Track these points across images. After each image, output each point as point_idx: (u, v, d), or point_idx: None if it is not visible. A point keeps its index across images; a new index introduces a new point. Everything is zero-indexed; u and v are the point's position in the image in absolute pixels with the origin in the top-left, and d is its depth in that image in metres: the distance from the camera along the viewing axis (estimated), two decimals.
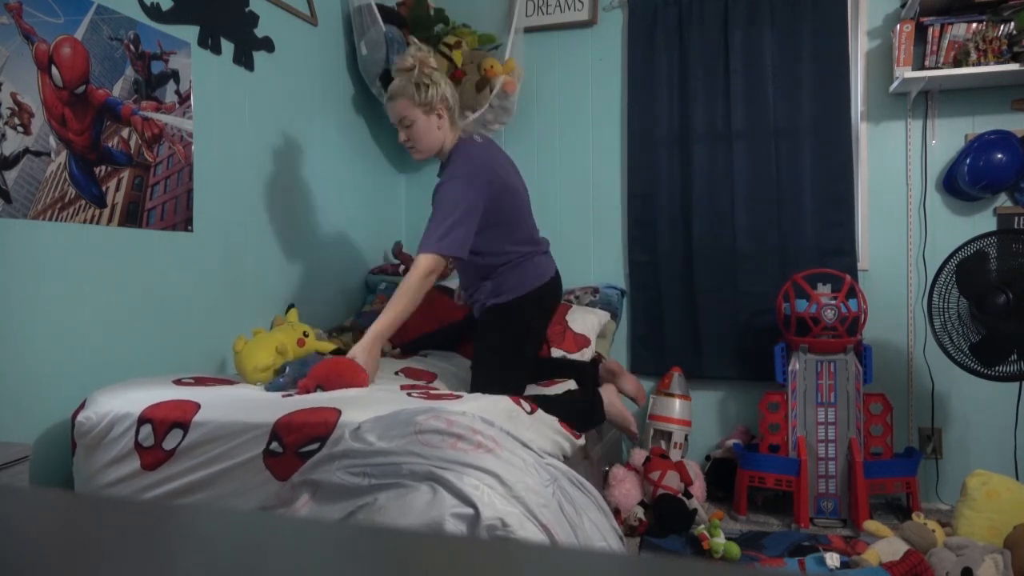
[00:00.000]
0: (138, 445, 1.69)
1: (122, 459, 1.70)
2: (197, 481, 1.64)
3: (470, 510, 1.30)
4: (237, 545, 0.35)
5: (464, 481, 1.34)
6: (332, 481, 1.43)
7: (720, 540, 2.41)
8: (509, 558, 0.33)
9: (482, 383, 2.21)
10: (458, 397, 1.84)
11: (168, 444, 1.68)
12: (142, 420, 1.70)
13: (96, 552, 0.32)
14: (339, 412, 1.61)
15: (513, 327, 2.28)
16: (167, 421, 1.69)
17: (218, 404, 1.73)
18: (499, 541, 0.33)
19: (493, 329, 2.28)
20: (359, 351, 2.00)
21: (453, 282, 3.14)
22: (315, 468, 1.49)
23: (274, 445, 1.59)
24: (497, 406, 1.79)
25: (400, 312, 2.05)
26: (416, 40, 2.55)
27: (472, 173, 2.13)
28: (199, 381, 1.97)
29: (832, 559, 2.06)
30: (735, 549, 2.40)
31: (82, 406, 1.75)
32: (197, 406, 1.71)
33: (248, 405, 1.73)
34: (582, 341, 2.94)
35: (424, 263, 2.05)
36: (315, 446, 1.56)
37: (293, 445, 1.58)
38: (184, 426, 1.67)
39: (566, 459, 1.93)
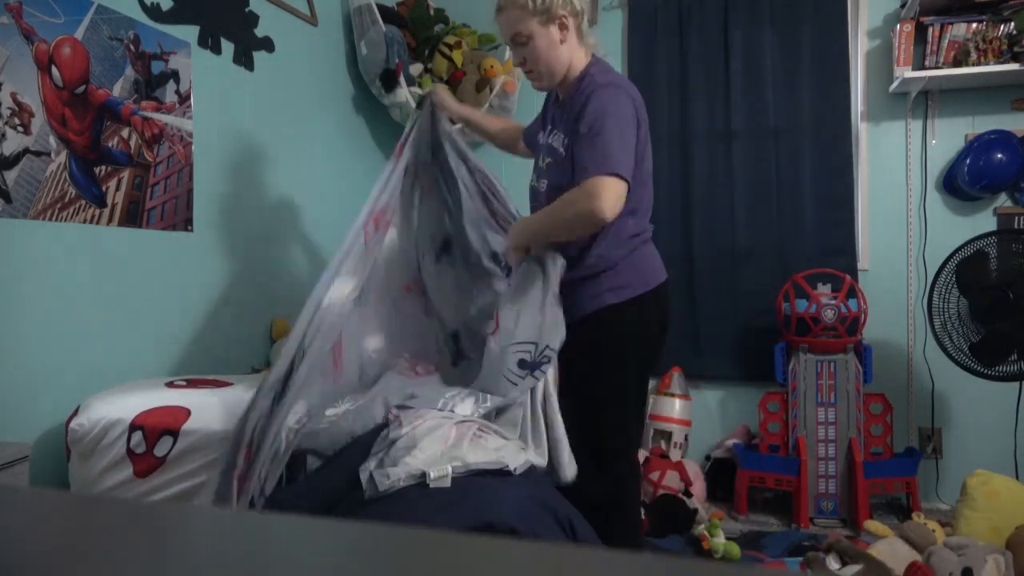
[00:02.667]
0: (130, 452, 1.69)
1: (115, 466, 1.70)
2: (190, 489, 1.64)
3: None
4: (237, 545, 0.35)
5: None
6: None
7: (720, 540, 2.41)
8: (509, 558, 0.33)
9: (610, 427, 1.69)
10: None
11: (159, 451, 1.68)
12: (133, 427, 1.70)
13: (96, 552, 0.32)
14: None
15: (642, 337, 1.71)
16: (157, 428, 1.69)
17: (208, 411, 1.73)
18: (501, 542, 0.33)
19: (613, 340, 1.67)
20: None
21: None
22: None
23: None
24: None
25: (546, 227, 1.61)
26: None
27: (619, 83, 1.63)
28: (192, 383, 1.97)
29: (833, 560, 2.06)
30: (735, 549, 2.40)
31: (76, 412, 1.75)
32: (187, 413, 1.71)
33: (238, 412, 1.72)
34: None
35: (597, 186, 1.49)
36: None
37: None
38: (174, 433, 1.67)
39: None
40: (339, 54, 3.17)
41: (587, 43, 1.73)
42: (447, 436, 1.50)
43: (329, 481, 1.48)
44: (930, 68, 2.84)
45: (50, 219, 1.84)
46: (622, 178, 1.51)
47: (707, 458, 3.09)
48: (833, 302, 2.73)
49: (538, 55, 1.64)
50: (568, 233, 1.60)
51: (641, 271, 1.69)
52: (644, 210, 1.71)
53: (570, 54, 1.68)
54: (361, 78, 3.20)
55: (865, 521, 2.38)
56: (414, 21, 3.26)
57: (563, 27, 1.65)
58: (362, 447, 1.52)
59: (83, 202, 1.93)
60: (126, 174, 2.07)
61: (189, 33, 2.30)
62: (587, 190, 1.50)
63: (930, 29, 2.84)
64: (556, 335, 1.64)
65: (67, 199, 1.89)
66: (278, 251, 2.72)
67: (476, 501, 1.31)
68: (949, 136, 3.01)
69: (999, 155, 2.83)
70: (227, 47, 2.46)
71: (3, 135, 1.73)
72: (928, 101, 3.03)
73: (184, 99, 2.27)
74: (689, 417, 3.08)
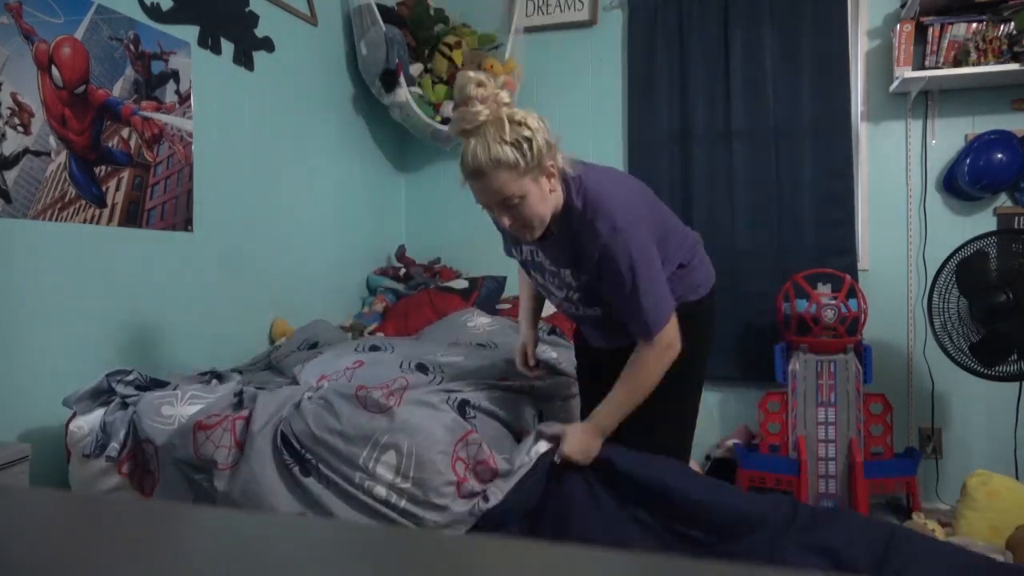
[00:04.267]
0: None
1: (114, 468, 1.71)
2: None
3: None
4: (237, 545, 0.35)
5: None
6: None
7: None
8: (509, 557, 0.33)
9: (669, 419, 1.72)
10: None
11: None
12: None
13: (96, 552, 0.32)
14: None
15: (703, 331, 1.75)
16: None
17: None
18: (501, 541, 0.33)
19: (694, 337, 1.66)
20: (576, 443, 1.57)
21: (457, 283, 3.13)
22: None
23: None
24: None
25: (630, 402, 1.59)
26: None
27: (621, 215, 1.53)
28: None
29: None
30: None
31: (75, 414, 1.76)
32: None
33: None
34: None
35: (661, 339, 1.55)
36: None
37: None
38: None
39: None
40: (339, 54, 3.17)
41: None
42: None
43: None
44: (930, 68, 2.84)
45: (50, 219, 1.84)
46: (670, 317, 1.57)
47: (707, 458, 3.09)
48: (833, 302, 2.73)
49: (533, 212, 1.49)
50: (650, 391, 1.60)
51: (707, 270, 1.78)
52: (680, 228, 1.76)
53: (556, 196, 1.54)
54: (361, 78, 3.20)
55: None
56: (414, 21, 3.26)
57: (551, 175, 1.50)
58: None
59: (83, 202, 1.93)
60: (126, 174, 2.07)
61: (189, 33, 2.30)
62: (657, 348, 1.56)
63: (930, 29, 2.84)
64: None
65: (67, 199, 1.89)
66: (278, 251, 2.72)
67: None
68: (949, 136, 3.01)
69: (999, 155, 2.83)
70: (227, 47, 2.46)
71: (3, 135, 1.73)
72: (928, 101, 3.03)
73: (184, 99, 2.27)
74: None
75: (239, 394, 1.75)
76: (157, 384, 1.82)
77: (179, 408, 1.70)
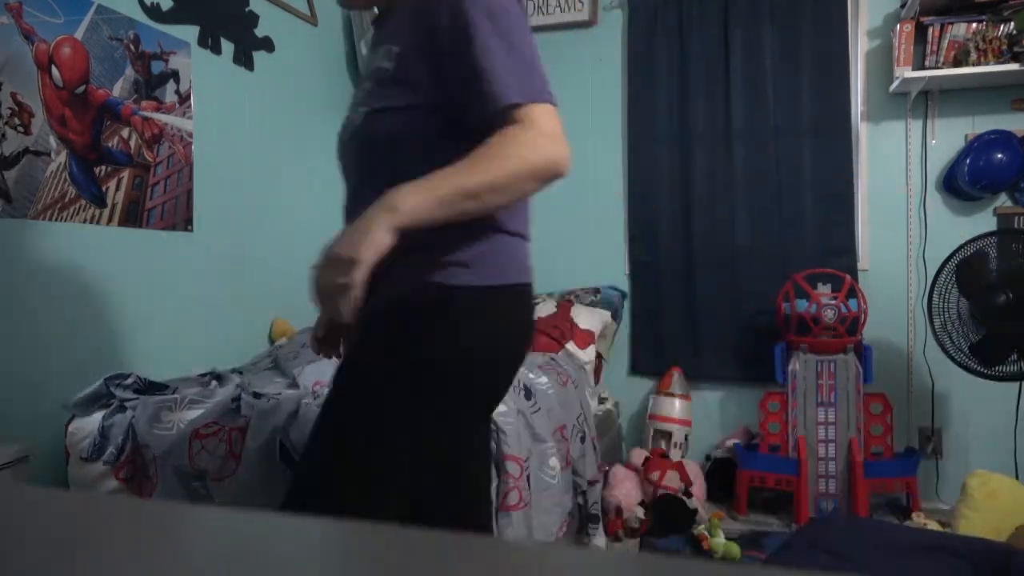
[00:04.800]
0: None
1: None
2: None
3: None
4: (237, 545, 0.35)
5: None
6: None
7: (720, 540, 2.41)
8: (508, 558, 0.33)
9: (338, 451, 1.03)
10: None
11: None
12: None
13: (96, 552, 0.32)
14: None
15: (482, 347, 1.05)
16: None
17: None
18: (499, 541, 0.33)
19: (436, 341, 1.03)
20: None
21: None
22: None
23: None
24: None
25: (461, 185, 0.93)
26: None
27: None
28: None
29: None
30: (735, 549, 2.40)
31: (74, 416, 1.76)
32: None
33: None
34: (588, 337, 2.95)
35: (534, 120, 0.94)
36: None
37: None
38: None
39: None
40: (339, 54, 3.17)
41: None
42: None
43: None
44: (930, 68, 2.84)
45: (50, 219, 1.84)
46: (547, 100, 0.96)
47: (707, 458, 3.09)
48: (833, 302, 2.73)
49: None
50: (489, 207, 0.96)
51: (497, 256, 1.06)
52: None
53: None
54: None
55: None
56: None
57: None
58: None
59: (83, 202, 1.93)
60: (126, 174, 2.07)
61: (189, 33, 2.30)
62: (529, 130, 0.93)
63: (930, 29, 2.84)
64: None
65: (67, 199, 1.89)
66: (278, 251, 2.72)
67: None
68: (949, 136, 3.01)
69: (999, 155, 2.83)
70: (227, 47, 2.46)
71: (3, 135, 1.73)
72: (928, 101, 3.03)
73: (184, 99, 2.27)
74: (689, 417, 3.08)
75: (236, 399, 1.74)
76: (156, 387, 1.82)
77: (178, 413, 1.69)
